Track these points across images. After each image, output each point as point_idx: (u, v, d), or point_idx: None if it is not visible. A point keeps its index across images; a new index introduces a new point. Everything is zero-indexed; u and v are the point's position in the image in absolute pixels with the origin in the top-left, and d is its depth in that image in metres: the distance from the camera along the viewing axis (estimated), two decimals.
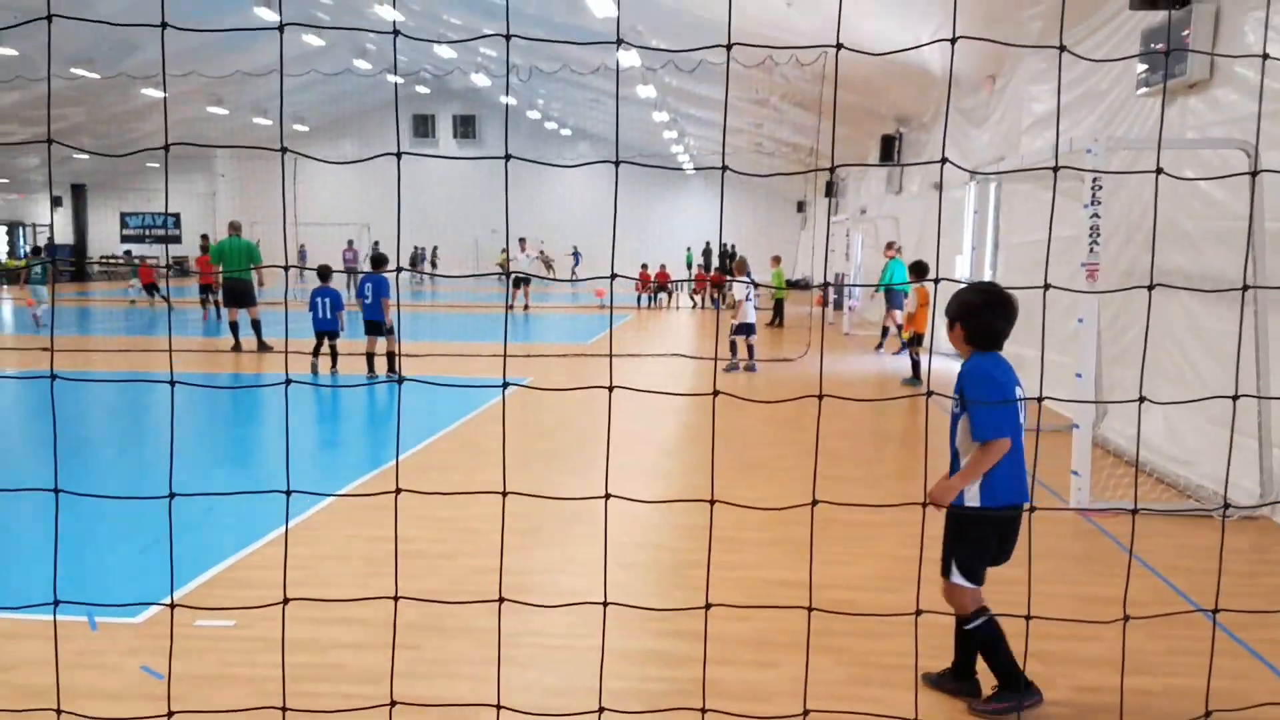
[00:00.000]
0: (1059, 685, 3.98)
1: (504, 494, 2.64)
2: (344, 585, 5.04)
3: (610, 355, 2.77)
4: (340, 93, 39.86)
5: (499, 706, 2.87)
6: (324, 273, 12.95)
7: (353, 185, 44.57)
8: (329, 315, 12.59)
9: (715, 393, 2.66)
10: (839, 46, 2.68)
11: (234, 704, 3.68)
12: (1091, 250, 6.14)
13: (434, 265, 42.76)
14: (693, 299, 29.13)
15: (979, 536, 3.63)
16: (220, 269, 15.31)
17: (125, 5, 24.91)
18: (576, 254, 41.10)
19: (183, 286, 33.82)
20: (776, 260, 21.91)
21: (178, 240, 43.39)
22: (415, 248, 42.52)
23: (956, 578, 3.67)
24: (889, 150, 20.40)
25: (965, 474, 3.56)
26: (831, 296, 24.12)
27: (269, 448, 8.78)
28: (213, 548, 5.56)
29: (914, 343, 12.59)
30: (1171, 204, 7.28)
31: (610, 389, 2.74)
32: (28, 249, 42.27)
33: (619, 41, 2.73)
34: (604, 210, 44.39)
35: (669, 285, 27.44)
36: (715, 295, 27.65)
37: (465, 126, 47.55)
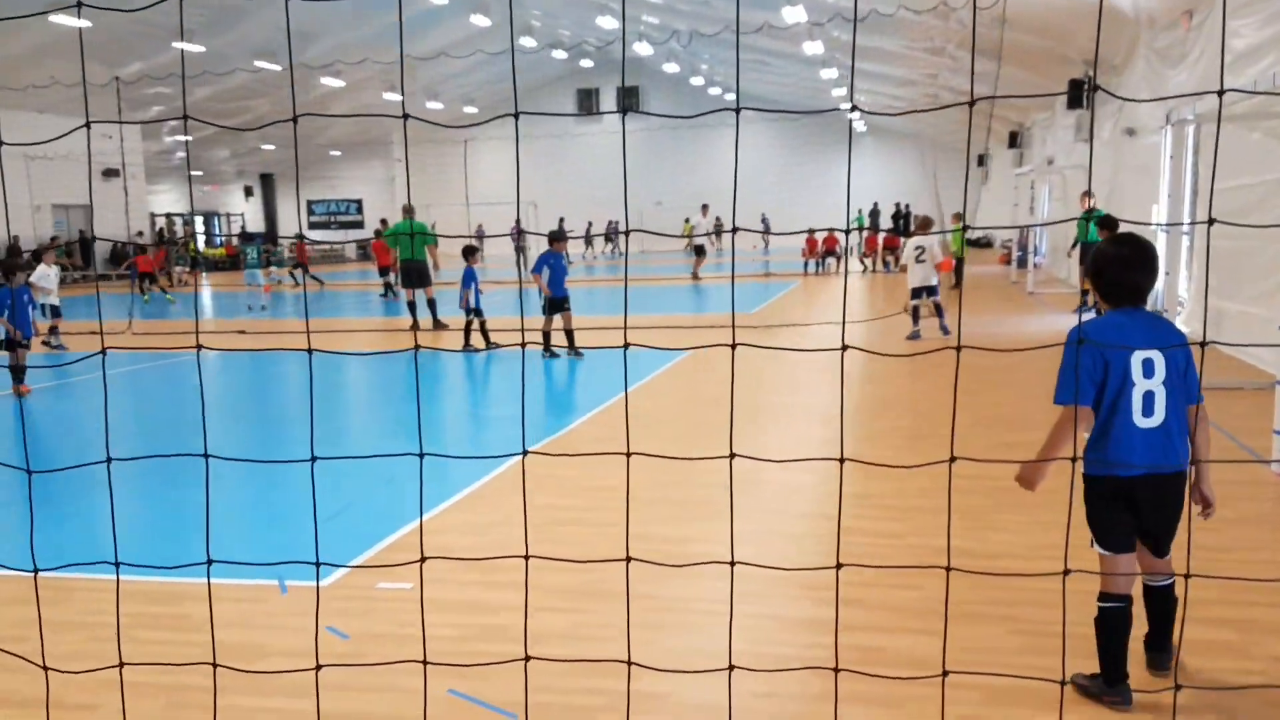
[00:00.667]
0: (1254, 654, 3.80)
1: (628, 454, 2.72)
2: (512, 550, 5.28)
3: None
4: (506, 71, 40.99)
5: (629, 663, 2.97)
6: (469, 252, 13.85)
7: (524, 164, 45.70)
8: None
9: (844, 347, 2.65)
10: None
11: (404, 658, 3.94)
12: None
13: (612, 240, 43.45)
14: (863, 263, 28.51)
15: (1096, 504, 3.47)
16: (397, 251, 16.12)
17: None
18: (765, 222, 40.60)
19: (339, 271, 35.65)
20: (958, 218, 21.16)
21: (359, 225, 45.91)
22: (609, 222, 43.22)
23: (1096, 547, 3.52)
24: (1077, 95, 19.26)
25: (1044, 446, 3.43)
26: (1015, 254, 23.09)
27: (446, 420, 9.25)
28: (393, 514, 5.93)
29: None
30: None
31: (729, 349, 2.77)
32: (222, 238, 45.66)
33: None
34: (770, 176, 43.90)
35: (837, 250, 26.91)
36: (888, 259, 26.98)
37: (629, 99, 47.94)
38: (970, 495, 5.79)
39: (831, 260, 26.79)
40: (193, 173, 45.39)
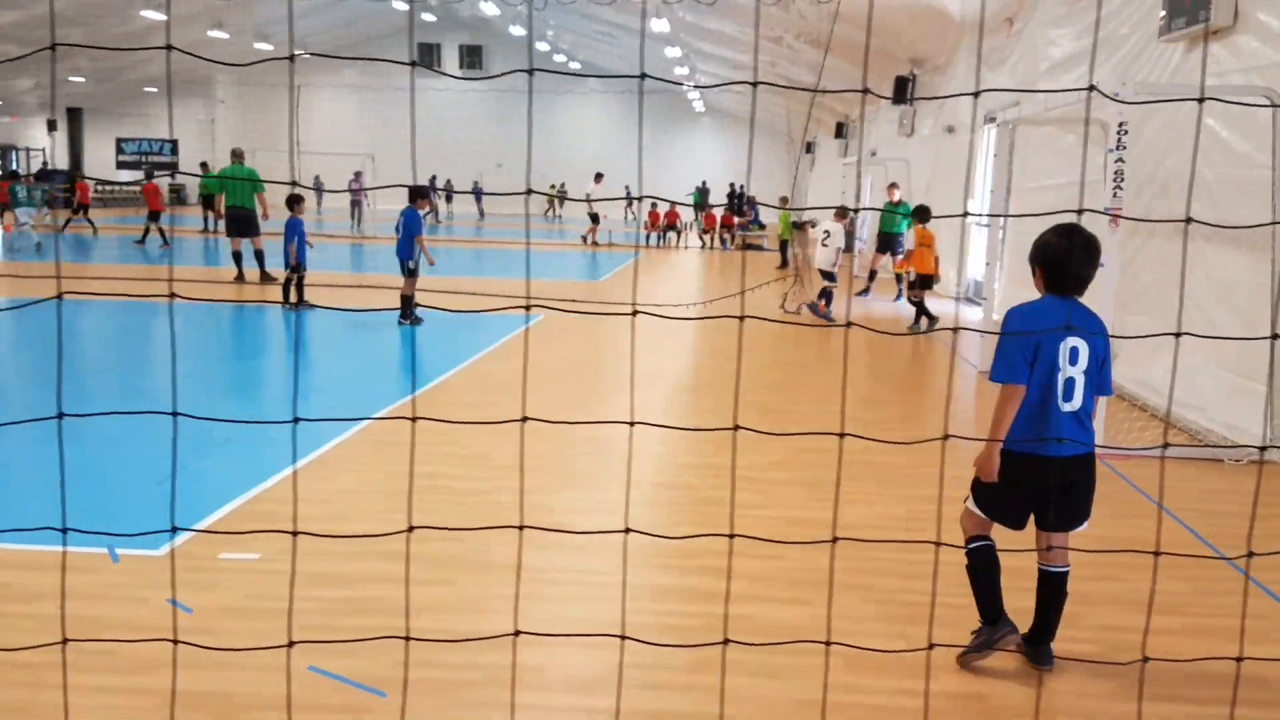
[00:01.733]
0: (1083, 624, 4.05)
1: (522, 420, 2.60)
2: (369, 519, 5.06)
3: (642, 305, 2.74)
4: (342, 19, 39.21)
5: (517, 633, 2.89)
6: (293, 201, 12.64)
7: (356, 115, 44.02)
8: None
9: (742, 316, 2.63)
10: None
11: (258, 636, 3.69)
12: (1115, 195, 6.09)
13: (448, 199, 42.23)
14: (702, 239, 28.96)
15: (1003, 478, 3.53)
16: (223, 197, 15.00)
17: None
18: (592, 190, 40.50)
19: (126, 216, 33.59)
20: (784, 201, 21.69)
21: (174, 167, 42.95)
22: (475, 183, 41.76)
23: (970, 504, 3.69)
24: (902, 91, 20.09)
25: (992, 427, 3.50)
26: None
27: (278, 381, 8.78)
28: (231, 480, 5.58)
29: (913, 286, 12.57)
30: (1189, 154, 7.19)
31: (634, 313, 2.71)
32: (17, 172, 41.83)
33: None
34: (613, 148, 43.86)
35: (678, 225, 27.23)
36: (724, 236, 27.48)
37: (472, 57, 46.75)
38: (817, 469, 5.95)
39: (672, 234, 27.05)
40: None
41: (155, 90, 43.97)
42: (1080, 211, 2.75)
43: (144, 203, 22.00)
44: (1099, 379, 3.51)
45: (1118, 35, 9.08)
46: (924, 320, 12.38)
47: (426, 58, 46.03)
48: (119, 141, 40.98)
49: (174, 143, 41.03)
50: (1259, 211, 6.19)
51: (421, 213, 11.94)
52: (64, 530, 2.60)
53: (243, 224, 14.86)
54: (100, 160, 42.13)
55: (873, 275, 16.81)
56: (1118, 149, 5.95)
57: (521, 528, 2.73)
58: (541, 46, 41.99)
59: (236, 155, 15.19)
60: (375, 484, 5.66)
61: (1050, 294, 3.53)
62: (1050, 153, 10.64)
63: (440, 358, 9.79)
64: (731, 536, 2.74)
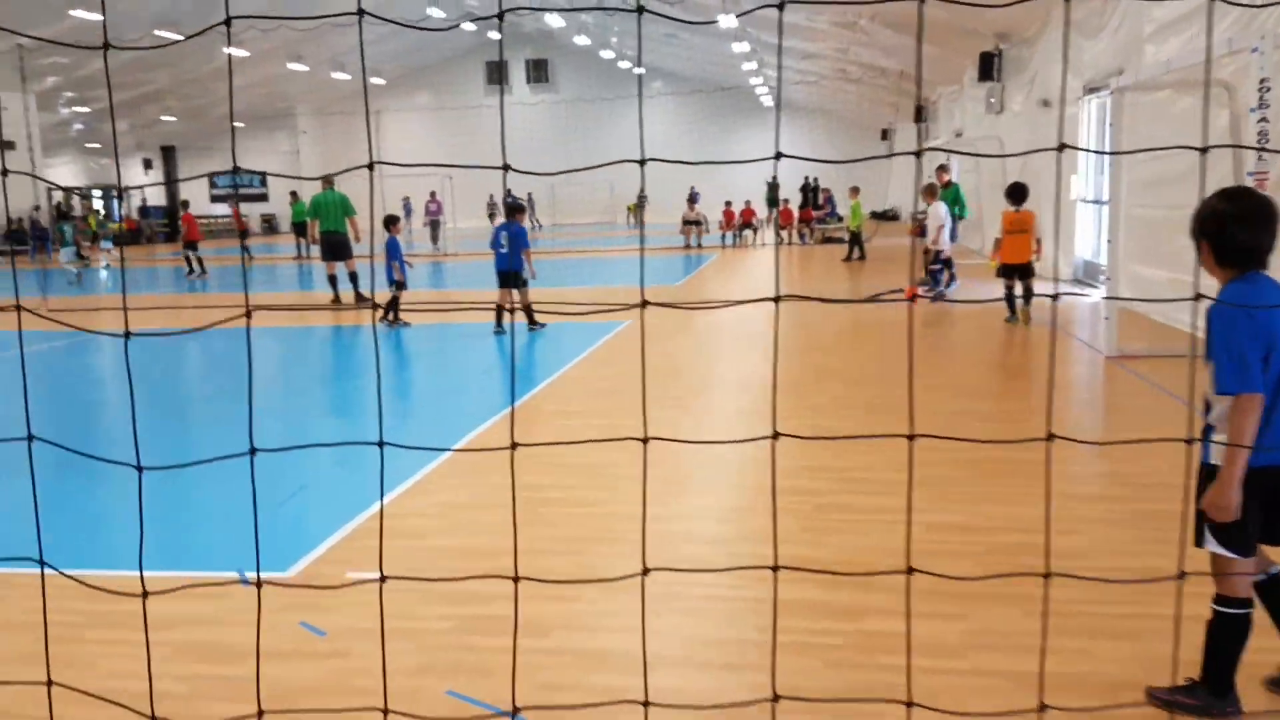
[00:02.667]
0: None
1: (645, 440, 2.39)
2: (491, 533, 4.92)
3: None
4: (413, 44, 39.78)
5: (644, 659, 2.68)
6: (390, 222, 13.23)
7: (433, 136, 44.76)
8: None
9: (773, 308, 2.37)
10: None
11: (392, 657, 3.56)
12: (1260, 158, 5.64)
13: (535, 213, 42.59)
14: (779, 235, 28.55)
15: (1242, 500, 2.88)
16: (317, 223, 15.28)
17: None
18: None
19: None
20: (855, 191, 21.12)
21: (264, 199, 44.15)
22: (528, 195, 42.23)
23: (1211, 545, 2.98)
24: (988, 68, 19.45)
25: (1228, 455, 2.81)
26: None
27: (389, 398, 8.77)
28: (349, 501, 5.50)
29: (1007, 275, 10.95)
30: None
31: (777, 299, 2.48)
32: (123, 211, 43.44)
33: None
34: (679, 149, 43.68)
35: (754, 222, 26.88)
36: (803, 230, 27.03)
37: (539, 71, 47.09)
38: (929, 467, 5.63)
39: (749, 232, 26.72)
40: (89, 145, 42.99)
41: (242, 125, 45.25)
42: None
43: (187, 233, 22.54)
44: None
45: None
46: (1018, 309, 10.96)
47: (495, 76, 46.51)
48: (211, 176, 42.26)
49: (262, 175, 42.11)
50: None
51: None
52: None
53: (336, 248, 15.10)
54: (194, 196, 43.53)
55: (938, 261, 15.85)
56: (1260, 107, 5.51)
57: (644, 572, 2.53)
58: (606, 54, 42.04)
59: (327, 182, 15.40)
60: (485, 496, 5.54)
61: (1239, 273, 2.89)
62: (1162, 121, 10.05)
63: (538, 366, 9.69)
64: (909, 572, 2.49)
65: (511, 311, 11.33)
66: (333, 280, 15.28)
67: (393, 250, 12.62)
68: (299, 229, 25.74)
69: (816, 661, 3.58)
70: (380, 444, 2.37)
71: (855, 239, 20.54)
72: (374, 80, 43.35)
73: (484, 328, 11.71)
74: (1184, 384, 7.49)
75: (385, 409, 8.14)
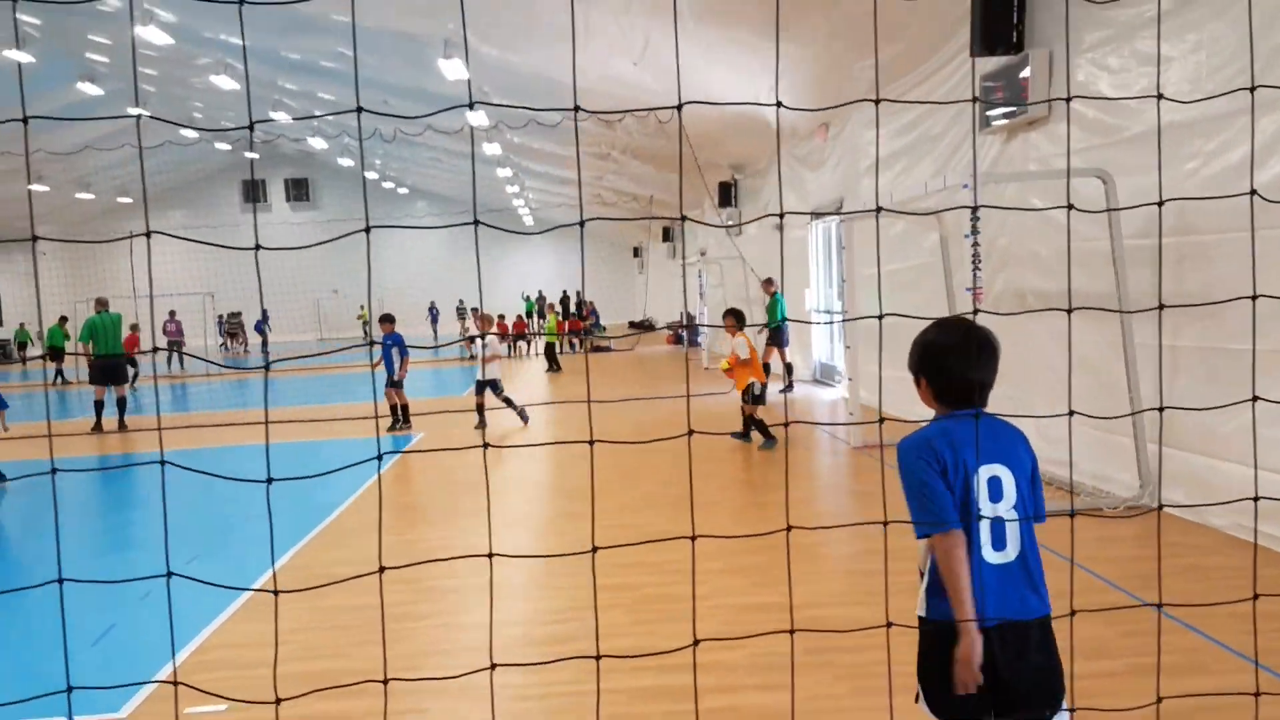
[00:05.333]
0: None
1: (490, 556, 2.54)
2: (335, 655, 4.77)
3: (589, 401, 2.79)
4: (170, 162, 37.99)
5: None
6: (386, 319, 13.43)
7: (188, 256, 42.54)
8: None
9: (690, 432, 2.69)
10: (679, 105, 2.77)
11: None
12: (975, 275, 6.58)
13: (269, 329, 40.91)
14: (571, 344, 29.16)
15: (939, 658, 2.42)
16: (90, 347, 14.18)
17: None
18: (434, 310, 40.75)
19: None
20: (546, 300, 22.21)
21: None
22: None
23: (921, 705, 2.52)
24: (727, 196, 21.13)
25: (952, 598, 2.37)
26: (683, 334, 24.64)
27: (174, 530, 8.19)
28: (164, 634, 5.15)
29: (751, 399, 10.15)
30: (1026, 232, 7.88)
31: (591, 442, 2.74)
32: None
33: (471, 104, 2.79)
34: (442, 267, 44.11)
35: (526, 333, 27.33)
36: (574, 340, 27.80)
37: (298, 190, 46.14)
38: (745, 555, 6.03)
39: (521, 344, 27.11)
40: None
41: None
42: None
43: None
44: (1035, 505, 2.49)
45: (933, 133, 9.91)
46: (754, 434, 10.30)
47: (252, 193, 45.07)
48: None
49: None
50: (1093, 279, 6.82)
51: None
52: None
53: (113, 372, 14.12)
54: None
55: (786, 369, 15.45)
56: (974, 234, 6.46)
57: (492, 668, 2.67)
58: (370, 174, 41.92)
59: (100, 303, 14.46)
60: (322, 619, 5.36)
61: (950, 411, 2.51)
62: (885, 238, 11.37)
63: (335, 481, 9.39)
64: (695, 644, 2.76)
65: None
66: (99, 405, 14.13)
67: (398, 346, 12.60)
68: (53, 354, 23.53)
69: None
70: (168, 574, 2.40)
71: (550, 350, 22.13)
72: (120, 199, 40.80)
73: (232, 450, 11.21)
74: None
75: (195, 536, 7.63)
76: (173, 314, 32.11)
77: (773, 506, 7.66)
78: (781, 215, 3.14)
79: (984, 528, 2.42)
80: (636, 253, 41.63)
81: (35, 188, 32.61)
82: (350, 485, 9.15)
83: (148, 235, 2.96)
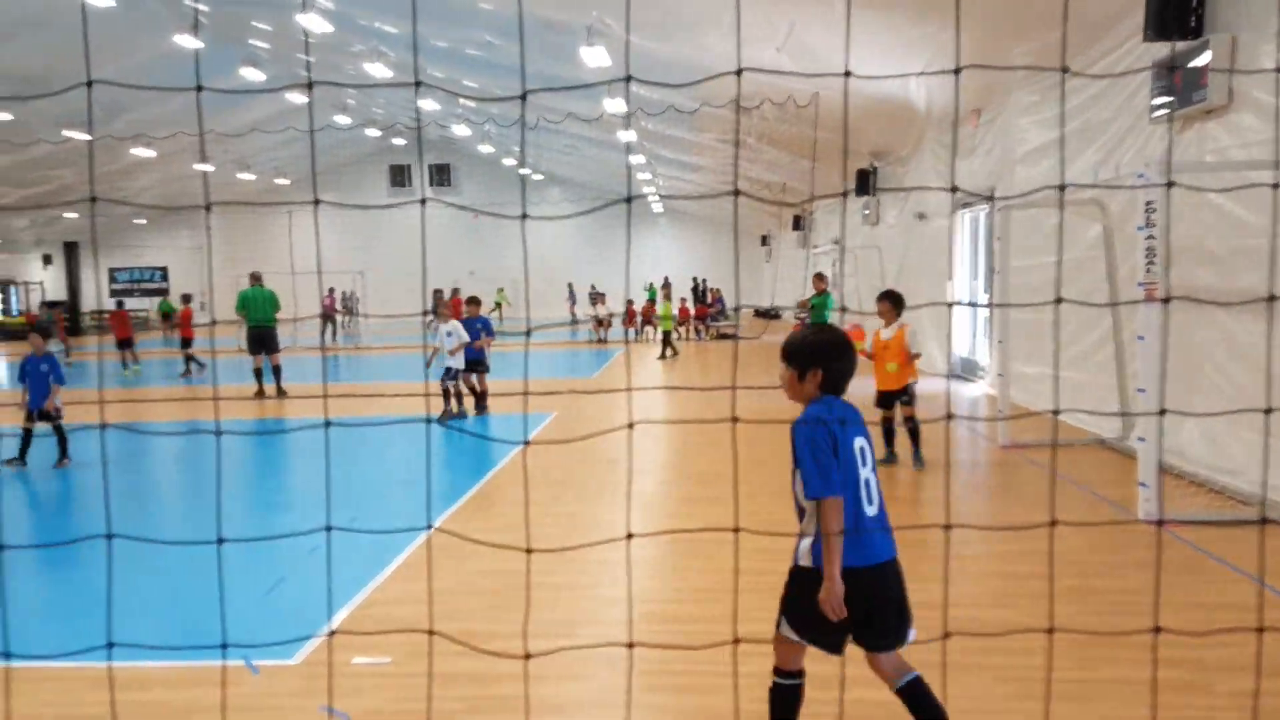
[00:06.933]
0: (1218, 690, 3.98)
1: (629, 537, 2.55)
2: (481, 618, 4.93)
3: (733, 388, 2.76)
4: (321, 146, 39.72)
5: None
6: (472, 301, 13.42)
7: (339, 236, 44.63)
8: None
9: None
10: (846, 74, 2.68)
11: None
12: (1148, 270, 6.24)
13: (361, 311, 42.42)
14: (676, 331, 29.24)
15: (811, 601, 3.04)
16: (245, 317, 15.11)
17: (117, 71, 24.66)
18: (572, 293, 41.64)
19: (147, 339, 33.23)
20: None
21: (164, 293, 42.74)
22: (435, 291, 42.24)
23: (785, 630, 3.21)
24: (864, 184, 20.69)
25: (826, 555, 2.99)
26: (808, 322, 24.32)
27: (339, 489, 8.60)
28: (334, 586, 5.41)
29: (884, 404, 8.47)
30: (1199, 225, 7.44)
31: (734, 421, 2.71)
32: (20, 307, 41.31)
33: (627, 78, 2.75)
34: (570, 252, 44.97)
35: (653, 319, 27.47)
36: (698, 327, 27.78)
37: (441, 175, 47.53)
38: None
39: (649, 328, 27.28)
40: None
41: (144, 222, 44.01)
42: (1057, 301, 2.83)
43: (114, 330, 21.44)
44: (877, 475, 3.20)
45: (1099, 120, 9.43)
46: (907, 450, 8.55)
47: (398, 178, 46.63)
48: (111, 271, 40.81)
49: (163, 269, 40.92)
50: (1265, 277, 6.39)
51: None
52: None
53: (265, 341, 14.93)
54: (93, 289, 41.84)
55: None
56: (1147, 226, 6.12)
57: (631, 645, 2.68)
58: (508, 162, 42.87)
59: (255, 278, 15.33)
60: (469, 583, 5.54)
61: (828, 394, 3.17)
62: (1037, 233, 10.91)
63: (484, 452, 9.68)
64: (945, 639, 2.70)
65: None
66: (258, 373, 14.97)
67: (488, 327, 12.52)
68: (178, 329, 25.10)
69: None
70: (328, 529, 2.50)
71: (666, 337, 21.84)
72: (278, 181, 42.90)
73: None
74: (1076, 468, 7.99)
75: (352, 498, 7.99)
76: (331, 290, 33.79)
77: (921, 504, 7.49)
78: (954, 190, 3.09)
79: (861, 488, 3.10)
80: (764, 241, 41.24)
81: (202, 167, 34.61)
82: (495, 456, 9.43)
83: (315, 204, 3.16)
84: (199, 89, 3.16)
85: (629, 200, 3.03)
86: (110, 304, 41.00)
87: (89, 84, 2.81)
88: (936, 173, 15.86)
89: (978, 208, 14.56)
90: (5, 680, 3.84)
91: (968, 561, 5.78)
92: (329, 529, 2.78)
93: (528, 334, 3.02)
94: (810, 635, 3.14)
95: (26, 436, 9.41)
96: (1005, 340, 9.56)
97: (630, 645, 3.42)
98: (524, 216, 3.22)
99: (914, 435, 8.34)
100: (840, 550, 2.97)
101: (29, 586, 5.69)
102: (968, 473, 8.61)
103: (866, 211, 21.46)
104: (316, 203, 3.36)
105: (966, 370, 15.33)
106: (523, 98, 3.06)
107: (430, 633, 2.95)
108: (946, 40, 11.75)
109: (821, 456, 3.00)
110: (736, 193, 3.10)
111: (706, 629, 4.74)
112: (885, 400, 8.38)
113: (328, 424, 2.97)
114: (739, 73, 3.21)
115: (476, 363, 12.38)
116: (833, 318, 13.86)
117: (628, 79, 2.93)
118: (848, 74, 3.22)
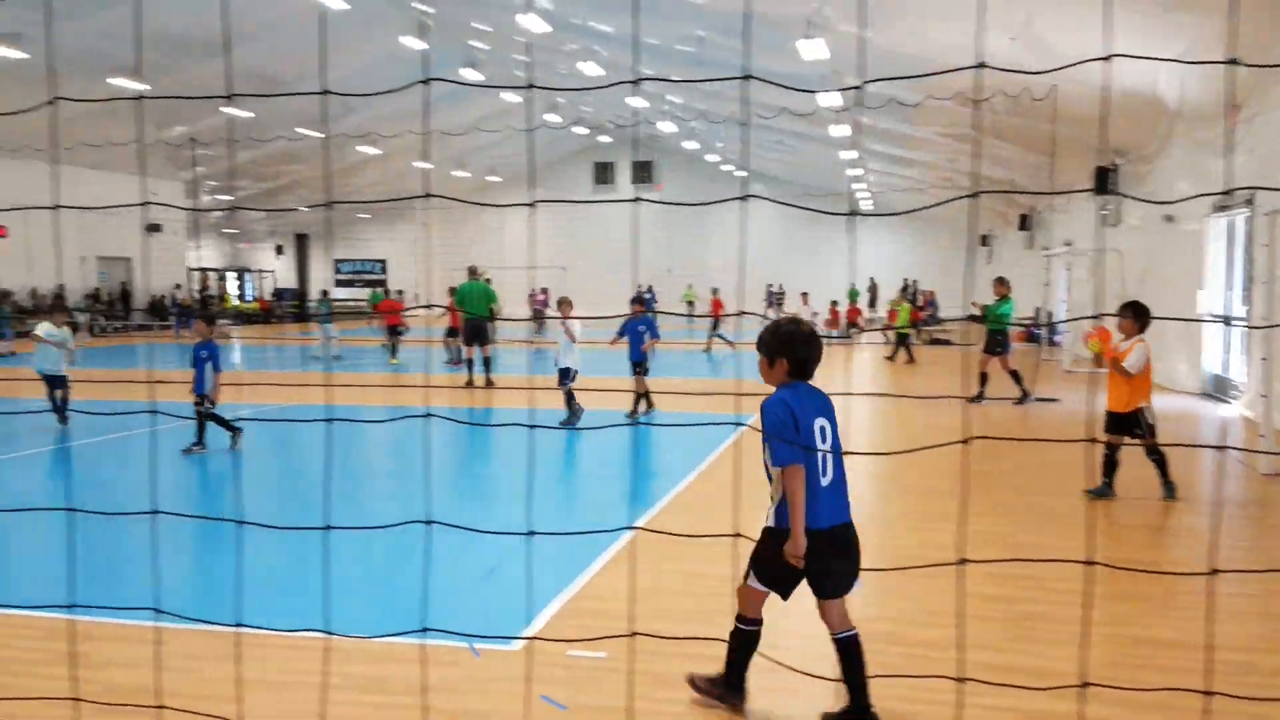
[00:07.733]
0: None
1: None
2: (688, 619, 5.01)
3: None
4: (525, 147, 41.45)
5: None
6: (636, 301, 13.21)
7: (546, 231, 46.39)
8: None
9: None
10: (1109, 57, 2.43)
11: None
12: None
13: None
14: (885, 335, 28.53)
15: (774, 555, 3.75)
16: (462, 309, 16.05)
17: (346, 72, 26.70)
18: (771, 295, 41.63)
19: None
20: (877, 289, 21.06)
21: (383, 283, 45.94)
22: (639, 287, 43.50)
23: (753, 581, 3.90)
24: (1103, 182, 19.41)
25: (792, 514, 3.66)
26: (1039, 331, 23.09)
27: (550, 483, 8.96)
28: (544, 580, 5.65)
29: (1114, 429, 7.71)
30: None
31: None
32: (255, 293, 45.49)
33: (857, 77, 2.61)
34: (771, 250, 44.74)
35: (859, 321, 26.96)
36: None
37: (643, 172, 48.44)
38: (1115, 582, 5.55)
39: (854, 330, 26.78)
40: (228, 231, 45.44)
41: (368, 216, 47.37)
42: None
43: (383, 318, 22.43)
44: (837, 445, 3.83)
45: None
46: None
47: (602, 175, 47.95)
48: (336, 262, 44.21)
49: (383, 261, 43.88)
50: None
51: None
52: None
53: (478, 333, 15.78)
54: (320, 279, 45.52)
55: (984, 379, 14.44)
56: None
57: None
58: (711, 158, 43.12)
59: (472, 272, 16.27)
60: (671, 582, 5.65)
61: (796, 380, 3.85)
62: None
63: (678, 457, 9.82)
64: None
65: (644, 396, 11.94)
66: (469, 363, 15.86)
67: (652, 327, 12.39)
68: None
69: None
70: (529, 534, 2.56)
71: (901, 339, 20.81)
72: (490, 178, 45.05)
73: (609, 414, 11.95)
74: None
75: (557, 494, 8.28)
76: (545, 290, 35.40)
77: (1166, 532, 6.99)
78: (1228, 192, 2.86)
79: (818, 461, 3.74)
80: (984, 240, 39.46)
81: (421, 164, 36.89)
82: (698, 455, 9.55)
83: (532, 205, 3.36)
84: (426, 81, 3.44)
85: (852, 215, 3.00)
86: (339, 294, 44.56)
87: (323, 93, 3.09)
88: (1187, 172, 14.70)
89: (1236, 211, 13.38)
90: (240, 647, 4.26)
91: (1228, 600, 5.34)
92: (530, 535, 2.93)
93: (722, 338, 3.03)
94: (771, 582, 3.86)
95: (200, 420, 10.04)
96: (1269, 357, 8.73)
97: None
98: (744, 197, 3.35)
99: (1160, 464, 7.68)
100: (803, 509, 3.65)
101: (259, 564, 6.24)
102: (1225, 506, 7.93)
103: (1105, 211, 20.14)
104: (534, 204, 3.53)
105: (1218, 389, 14.11)
106: (745, 79, 3.11)
107: (632, 634, 3.06)
108: (1206, 29, 10.87)
109: (784, 431, 3.68)
110: (976, 193, 3.02)
111: (948, 656, 4.62)
112: (1112, 423, 7.68)
113: (531, 426, 3.16)
114: (980, 67, 3.12)
115: (638, 364, 12.32)
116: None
117: (860, 85, 2.89)
118: (1108, 57, 3.04)
